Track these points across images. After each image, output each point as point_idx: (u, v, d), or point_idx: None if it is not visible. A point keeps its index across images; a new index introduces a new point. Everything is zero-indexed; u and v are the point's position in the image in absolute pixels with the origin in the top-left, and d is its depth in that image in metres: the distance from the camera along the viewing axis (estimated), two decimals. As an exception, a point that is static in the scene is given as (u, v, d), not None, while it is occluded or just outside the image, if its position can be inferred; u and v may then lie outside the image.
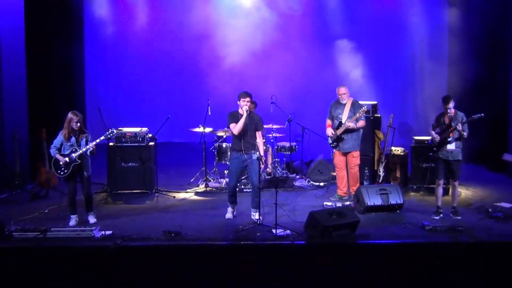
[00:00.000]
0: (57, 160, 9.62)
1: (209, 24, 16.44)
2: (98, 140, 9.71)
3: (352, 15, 16.08)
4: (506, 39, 13.61)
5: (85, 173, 9.73)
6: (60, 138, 9.63)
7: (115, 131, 10.09)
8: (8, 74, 11.95)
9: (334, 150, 11.35)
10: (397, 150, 12.26)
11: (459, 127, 9.76)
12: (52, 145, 9.63)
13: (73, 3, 14.98)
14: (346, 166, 11.30)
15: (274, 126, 12.71)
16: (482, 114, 9.76)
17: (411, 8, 16.24)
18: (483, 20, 14.25)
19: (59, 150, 9.60)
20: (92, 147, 9.54)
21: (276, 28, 16.20)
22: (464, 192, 11.79)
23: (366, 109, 11.10)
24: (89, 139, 9.67)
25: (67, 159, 9.53)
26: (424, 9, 16.15)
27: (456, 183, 10.19)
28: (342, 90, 11.22)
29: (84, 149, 9.53)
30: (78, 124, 9.59)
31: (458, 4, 15.43)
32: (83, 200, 9.92)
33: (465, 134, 9.90)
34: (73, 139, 9.59)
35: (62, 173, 9.64)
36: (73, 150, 9.56)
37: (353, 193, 11.10)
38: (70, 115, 9.61)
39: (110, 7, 16.34)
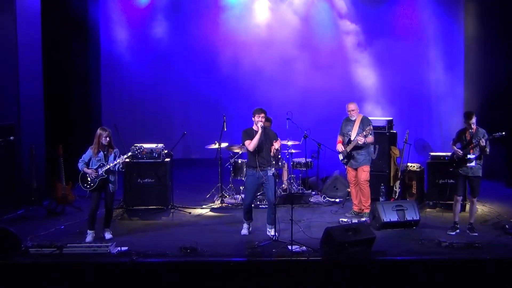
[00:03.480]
0: (84, 174, 9.69)
1: (224, 41, 16.52)
2: (125, 156, 9.86)
3: (368, 31, 16.06)
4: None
5: (111, 187, 9.79)
6: (89, 153, 9.71)
7: (142, 145, 10.57)
8: (26, 91, 12.05)
9: (346, 167, 11.36)
10: (413, 166, 12.21)
11: (483, 142, 9.63)
12: (81, 159, 9.70)
13: (90, 20, 15.09)
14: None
15: (290, 142, 12.68)
16: (503, 133, 9.63)
17: (427, 22, 16.20)
18: (500, 32, 14.16)
19: (87, 165, 9.67)
20: (121, 163, 9.67)
21: (292, 44, 16.27)
22: (481, 209, 11.68)
23: (372, 127, 11.07)
24: (117, 155, 9.76)
25: (95, 172, 9.61)
26: (440, 22, 16.10)
27: (475, 199, 10.12)
28: (351, 106, 11.23)
29: (112, 164, 9.64)
30: (108, 139, 9.66)
31: (474, 16, 15.37)
32: (103, 216, 9.96)
33: (487, 150, 9.80)
34: (101, 154, 9.67)
35: (88, 186, 9.71)
36: (101, 165, 9.64)
37: (365, 210, 11.10)
38: (99, 130, 9.72)
39: (126, 24, 16.43)
